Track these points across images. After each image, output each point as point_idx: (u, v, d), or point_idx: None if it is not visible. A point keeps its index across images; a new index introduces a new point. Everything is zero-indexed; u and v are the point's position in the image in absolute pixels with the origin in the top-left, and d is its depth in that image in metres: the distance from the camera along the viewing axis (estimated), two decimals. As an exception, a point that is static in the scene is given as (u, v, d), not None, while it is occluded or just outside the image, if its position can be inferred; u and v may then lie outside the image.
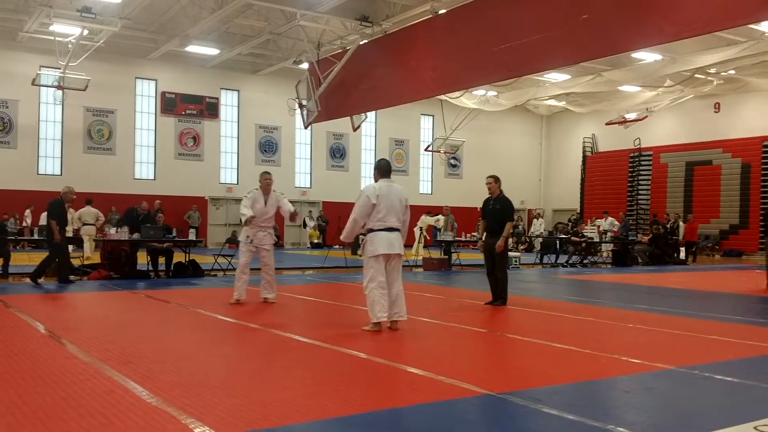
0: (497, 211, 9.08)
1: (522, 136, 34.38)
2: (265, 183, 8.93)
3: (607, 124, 28.21)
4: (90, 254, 15.63)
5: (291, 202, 9.39)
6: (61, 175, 23.78)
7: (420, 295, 10.43)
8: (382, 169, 7.01)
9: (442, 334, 6.93)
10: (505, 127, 33.03)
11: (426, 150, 29.93)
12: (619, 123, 27.27)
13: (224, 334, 6.64)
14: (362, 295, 6.93)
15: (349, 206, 26.61)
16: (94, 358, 5.24)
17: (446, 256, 16.66)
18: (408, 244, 21.38)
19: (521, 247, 26.03)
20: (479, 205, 9.73)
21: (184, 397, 4.12)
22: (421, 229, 20.72)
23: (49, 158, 23.95)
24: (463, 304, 9.37)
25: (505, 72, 13.40)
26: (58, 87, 20.25)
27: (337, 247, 23.50)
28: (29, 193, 22.50)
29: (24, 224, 21.63)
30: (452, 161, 32.04)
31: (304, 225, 27.65)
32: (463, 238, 18.03)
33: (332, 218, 27.25)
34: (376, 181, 7.03)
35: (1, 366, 4.96)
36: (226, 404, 4.05)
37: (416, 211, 24.97)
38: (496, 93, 24.34)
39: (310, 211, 28.02)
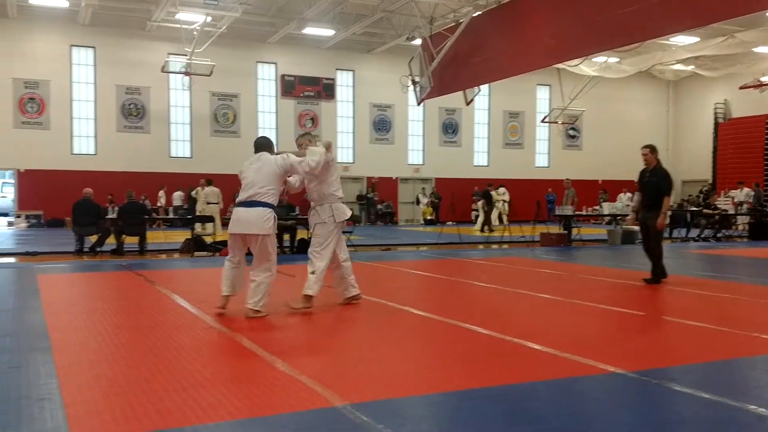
0: (653, 184, 8.44)
1: (647, 104, 32.59)
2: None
3: (740, 88, 26.15)
4: (220, 232, 16.52)
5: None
6: (191, 157, 25.22)
7: (538, 272, 10.23)
8: (254, 145, 6.49)
9: (566, 311, 6.76)
10: (628, 94, 31.43)
11: (543, 121, 28.97)
12: (755, 87, 25.23)
13: (345, 306, 6.80)
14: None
15: (462, 182, 26.40)
16: (228, 328, 5.55)
17: (566, 231, 16.19)
18: (468, 220, 21.46)
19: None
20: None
21: (314, 365, 4.29)
22: (481, 205, 21.01)
23: (179, 141, 25.40)
24: (585, 281, 9.09)
25: (628, 37, 12.71)
26: (186, 73, 21.35)
27: (450, 223, 23.39)
28: (162, 175, 24.03)
29: (159, 204, 23.14)
30: (571, 132, 30.92)
31: (417, 202, 27.76)
32: (583, 213, 17.44)
33: (445, 195, 27.22)
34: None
35: (145, 336, 5.37)
36: (352, 373, 4.19)
37: (540, 185, 24.65)
38: (618, 59, 23.17)
39: (423, 188, 28.06)
